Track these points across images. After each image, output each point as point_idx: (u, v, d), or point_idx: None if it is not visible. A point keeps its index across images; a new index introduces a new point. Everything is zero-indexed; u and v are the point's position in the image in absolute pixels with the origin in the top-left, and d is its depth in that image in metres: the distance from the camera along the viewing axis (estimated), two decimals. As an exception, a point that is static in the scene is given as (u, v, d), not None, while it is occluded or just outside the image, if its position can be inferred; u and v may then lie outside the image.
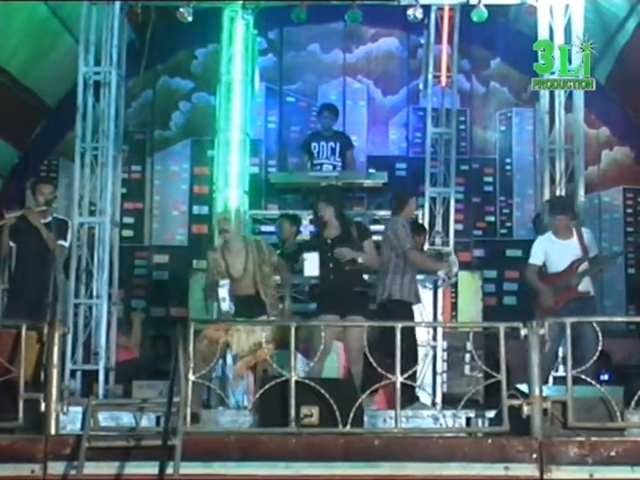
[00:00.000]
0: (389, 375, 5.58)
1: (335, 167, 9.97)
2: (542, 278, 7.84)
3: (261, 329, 6.61)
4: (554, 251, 7.81)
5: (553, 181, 8.86)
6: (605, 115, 11.29)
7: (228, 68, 10.13)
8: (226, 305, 6.95)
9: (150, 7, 9.39)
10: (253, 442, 5.31)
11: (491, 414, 6.06)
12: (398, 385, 5.54)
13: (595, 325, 5.83)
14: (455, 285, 9.56)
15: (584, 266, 7.75)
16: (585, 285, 7.77)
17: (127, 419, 6.10)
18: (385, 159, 11.43)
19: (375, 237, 7.86)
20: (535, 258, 7.88)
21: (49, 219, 7.82)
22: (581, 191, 8.80)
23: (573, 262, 7.74)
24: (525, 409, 5.34)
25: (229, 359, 7.19)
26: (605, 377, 8.62)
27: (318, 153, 10.06)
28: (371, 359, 5.70)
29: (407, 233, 7.75)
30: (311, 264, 7.13)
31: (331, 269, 7.20)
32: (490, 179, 11.62)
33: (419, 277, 8.17)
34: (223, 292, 6.95)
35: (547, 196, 8.76)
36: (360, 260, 7.21)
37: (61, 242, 7.74)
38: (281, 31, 11.59)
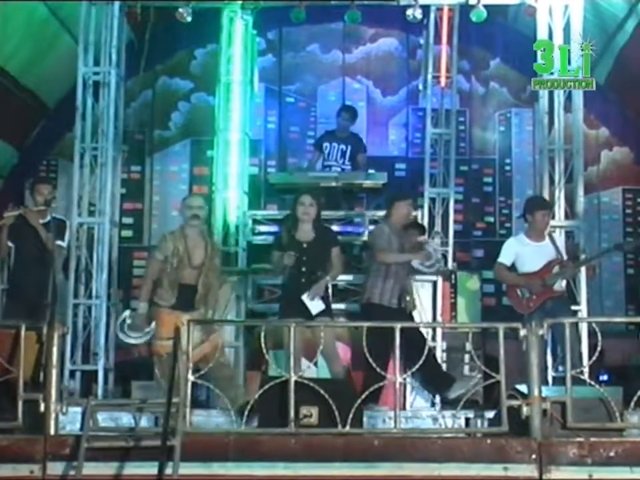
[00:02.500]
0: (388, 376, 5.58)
1: (343, 170, 9.93)
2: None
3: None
4: (527, 253, 7.81)
5: (552, 181, 8.87)
6: (604, 116, 11.29)
7: (227, 68, 10.15)
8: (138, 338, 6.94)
9: (149, 7, 9.41)
10: (251, 442, 5.31)
11: (490, 414, 6.06)
12: (397, 385, 5.54)
13: (594, 325, 5.84)
14: (454, 286, 9.56)
15: (557, 268, 7.79)
16: (559, 285, 7.85)
17: (126, 419, 6.11)
18: (385, 159, 11.41)
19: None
20: (505, 257, 7.88)
21: (48, 218, 7.81)
22: (580, 192, 8.81)
23: (550, 262, 7.77)
24: (524, 410, 5.34)
25: None
26: (604, 377, 8.62)
27: (328, 154, 10.03)
28: (370, 360, 5.69)
29: (385, 237, 7.62)
30: (314, 304, 7.11)
31: (302, 273, 7.16)
32: (489, 180, 11.62)
33: (416, 276, 8.17)
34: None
35: (546, 196, 8.76)
36: (328, 278, 7.23)
37: (58, 242, 7.72)
38: (280, 31, 11.59)
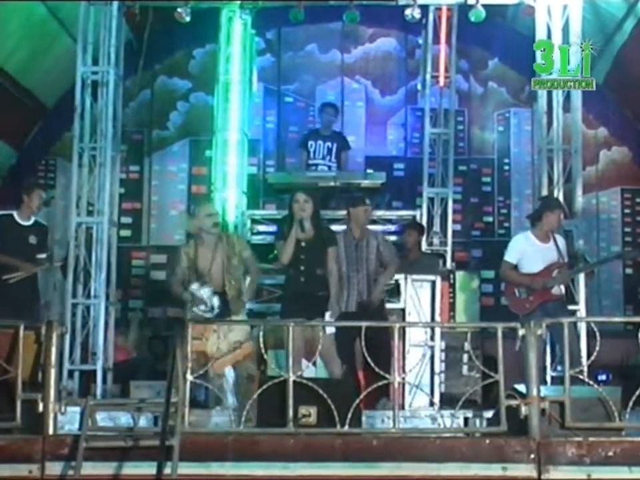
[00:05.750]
0: (387, 375, 5.57)
1: (329, 167, 9.96)
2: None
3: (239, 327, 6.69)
4: (532, 253, 7.76)
5: (550, 181, 8.88)
6: (603, 115, 11.30)
7: (226, 68, 10.16)
8: (216, 300, 6.81)
9: (148, 7, 9.41)
10: (250, 442, 5.30)
11: (488, 414, 6.06)
12: (396, 385, 5.54)
13: (593, 325, 5.85)
14: (453, 285, 9.57)
15: (556, 272, 7.75)
16: (557, 289, 7.81)
17: (124, 419, 6.10)
18: (383, 159, 11.43)
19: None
20: (511, 256, 7.83)
21: (32, 220, 8.15)
22: (579, 191, 8.82)
23: (551, 264, 7.75)
24: (523, 409, 5.33)
25: None
26: (603, 377, 8.63)
27: (314, 152, 10.05)
28: (368, 359, 5.69)
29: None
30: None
31: (301, 272, 7.15)
32: (488, 179, 11.63)
33: (415, 276, 8.19)
34: (206, 291, 6.82)
35: (545, 196, 8.77)
36: (332, 291, 7.19)
37: (40, 255, 8.12)
38: (278, 31, 11.60)
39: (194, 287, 6.84)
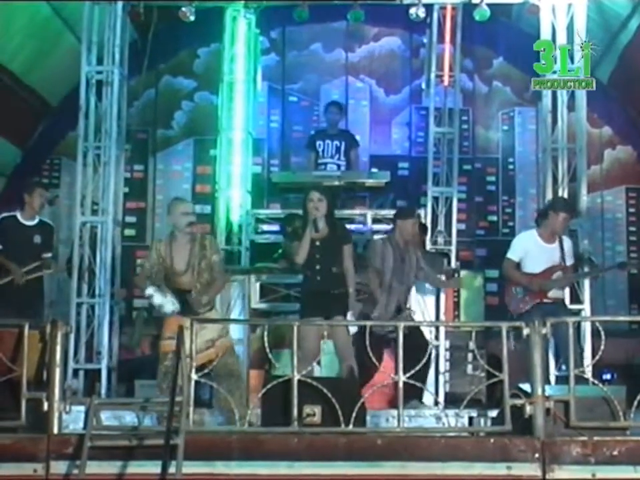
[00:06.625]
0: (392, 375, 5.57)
1: (339, 166, 9.96)
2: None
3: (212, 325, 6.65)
4: (535, 252, 7.67)
5: (555, 180, 8.88)
6: (608, 114, 11.28)
7: (230, 67, 10.17)
8: (170, 306, 6.67)
9: (152, 7, 9.43)
10: (255, 441, 5.30)
11: (493, 413, 6.06)
12: (400, 384, 5.54)
13: (597, 324, 5.85)
14: (458, 284, 9.54)
15: (558, 274, 7.69)
16: (556, 292, 7.74)
17: (129, 418, 6.11)
18: (388, 158, 11.42)
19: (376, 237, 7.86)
20: (514, 253, 7.73)
21: (36, 220, 8.15)
22: (584, 190, 8.82)
23: (552, 267, 7.69)
24: (528, 409, 5.33)
25: None
26: (608, 376, 8.62)
27: (323, 151, 10.05)
28: (372, 357, 5.69)
29: (378, 253, 7.67)
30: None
31: (317, 271, 7.10)
32: (492, 179, 11.61)
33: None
34: (158, 298, 6.63)
35: (549, 195, 8.78)
36: (351, 290, 7.14)
37: (45, 255, 8.12)
38: (283, 30, 11.59)
39: (149, 291, 6.67)
